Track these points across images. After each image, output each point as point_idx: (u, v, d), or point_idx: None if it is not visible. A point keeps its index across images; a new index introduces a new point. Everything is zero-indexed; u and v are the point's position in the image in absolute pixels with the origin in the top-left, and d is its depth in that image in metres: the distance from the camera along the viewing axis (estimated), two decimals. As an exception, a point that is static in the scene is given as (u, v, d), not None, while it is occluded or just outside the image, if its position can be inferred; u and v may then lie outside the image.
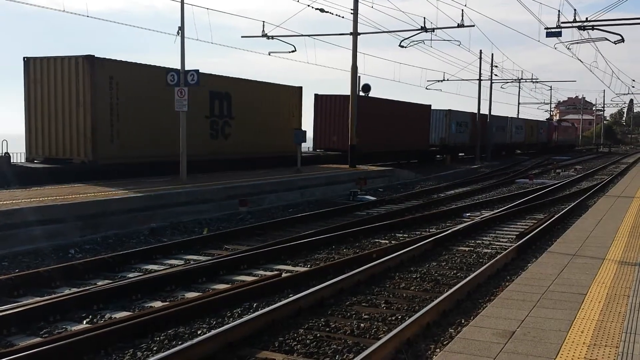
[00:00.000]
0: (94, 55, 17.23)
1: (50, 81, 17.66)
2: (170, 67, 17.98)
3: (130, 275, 9.24)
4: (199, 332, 6.60)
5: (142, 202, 13.69)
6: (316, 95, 29.56)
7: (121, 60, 18.18)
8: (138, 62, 19.42)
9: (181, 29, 16.65)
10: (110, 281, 8.78)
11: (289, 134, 23.98)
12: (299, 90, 26.79)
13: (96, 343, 6.03)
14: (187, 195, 14.88)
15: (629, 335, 5.23)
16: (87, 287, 8.27)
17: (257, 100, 23.58)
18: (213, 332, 6.13)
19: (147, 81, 18.58)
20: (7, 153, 17.32)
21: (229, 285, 8.60)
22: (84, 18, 20.48)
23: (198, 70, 16.72)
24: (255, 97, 23.56)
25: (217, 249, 11.35)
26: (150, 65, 19.13)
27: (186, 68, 16.69)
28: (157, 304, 7.75)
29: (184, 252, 10.94)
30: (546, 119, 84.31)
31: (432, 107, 38.78)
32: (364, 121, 28.53)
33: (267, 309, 6.90)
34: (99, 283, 8.71)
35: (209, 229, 13.26)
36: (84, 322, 7.04)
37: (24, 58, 18.07)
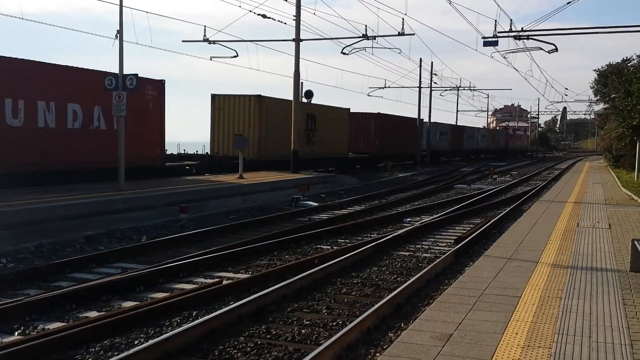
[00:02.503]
0: (261, 95, 27.36)
1: (230, 109, 27.50)
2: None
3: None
4: (136, 342, 6.46)
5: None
6: (349, 112, 36.89)
7: (271, 97, 28.22)
8: (277, 97, 29.05)
9: (119, 32, 16.25)
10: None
11: (342, 142, 35.46)
12: (348, 110, 36.70)
13: (28, 355, 5.81)
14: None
15: (561, 337, 5.41)
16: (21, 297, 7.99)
17: (327, 118, 33.38)
18: (150, 342, 5.99)
19: (280, 108, 28.18)
20: (214, 152, 27.97)
21: (167, 294, 8.45)
22: (19, 20, 21.31)
23: (137, 74, 16.35)
24: (326, 116, 33.33)
25: (157, 256, 11.12)
26: (281, 99, 28.91)
27: (125, 72, 16.34)
28: (93, 314, 7.54)
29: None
30: (503, 128, 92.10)
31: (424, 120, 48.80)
32: (380, 133, 39.65)
33: (206, 317, 6.80)
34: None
35: (147, 237, 13.01)
36: (16, 333, 6.77)
37: (211, 95, 27.79)
